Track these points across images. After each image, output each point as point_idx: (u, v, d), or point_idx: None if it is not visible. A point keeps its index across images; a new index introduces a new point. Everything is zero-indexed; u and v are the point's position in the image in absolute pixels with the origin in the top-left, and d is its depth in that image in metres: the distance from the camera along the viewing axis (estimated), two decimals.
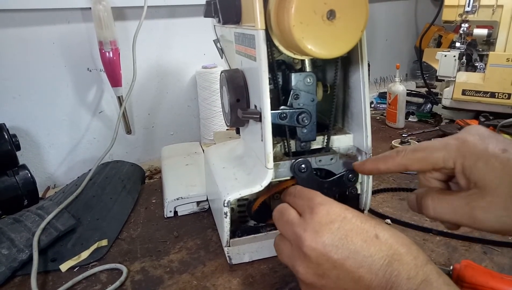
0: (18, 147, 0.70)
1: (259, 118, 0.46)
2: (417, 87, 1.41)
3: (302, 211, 0.38)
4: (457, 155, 0.34)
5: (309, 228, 0.35)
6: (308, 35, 0.38)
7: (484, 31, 0.97)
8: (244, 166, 0.55)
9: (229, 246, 0.53)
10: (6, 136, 0.68)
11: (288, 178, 0.49)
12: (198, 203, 0.69)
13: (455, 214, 0.34)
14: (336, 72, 0.49)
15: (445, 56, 1.00)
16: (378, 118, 1.16)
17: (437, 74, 1.03)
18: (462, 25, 0.98)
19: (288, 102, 0.47)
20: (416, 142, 0.90)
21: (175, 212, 0.68)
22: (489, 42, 0.99)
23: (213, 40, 0.68)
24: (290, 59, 0.49)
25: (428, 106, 1.12)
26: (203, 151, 0.87)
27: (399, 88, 1.02)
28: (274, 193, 0.51)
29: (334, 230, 0.34)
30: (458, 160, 0.34)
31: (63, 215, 0.64)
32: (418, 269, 0.31)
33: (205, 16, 0.57)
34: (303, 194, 0.40)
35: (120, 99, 0.90)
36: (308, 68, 0.48)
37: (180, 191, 0.68)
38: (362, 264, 0.32)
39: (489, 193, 0.32)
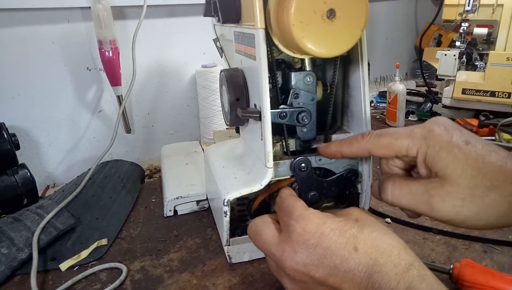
0: (17, 146, 0.70)
1: (258, 117, 0.46)
2: (417, 86, 1.41)
3: (282, 226, 0.38)
4: (421, 144, 0.34)
5: (287, 248, 0.35)
6: (308, 34, 0.38)
7: (484, 30, 0.97)
8: (243, 165, 0.54)
9: (229, 245, 0.53)
10: (5, 135, 0.68)
11: (289, 177, 0.49)
12: (198, 202, 0.69)
13: (413, 200, 0.35)
14: (334, 71, 0.49)
15: (445, 55, 1.00)
16: (378, 117, 1.16)
17: (437, 73, 1.03)
18: (462, 24, 0.98)
19: (288, 101, 0.47)
20: None
21: (175, 211, 0.68)
22: (489, 41, 0.98)
23: (213, 39, 0.68)
24: (290, 58, 0.49)
25: (428, 105, 1.12)
26: (203, 150, 0.87)
27: (399, 87, 1.02)
28: (274, 191, 0.51)
29: (311, 249, 0.33)
30: (421, 149, 0.34)
31: (63, 214, 0.64)
32: (399, 277, 0.30)
33: (204, 15, 0.57)
34: (283, 206, 0.39)
35: (119, 98, 0.89)
36: (308, 67, 0.48)
37: (180, 190, 0.68)
38: (344, 279, 0.32)
39: (449, 183, 0.33)
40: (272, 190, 0.50)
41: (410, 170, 0.39)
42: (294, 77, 0.47)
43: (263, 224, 0.39)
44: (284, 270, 0.35)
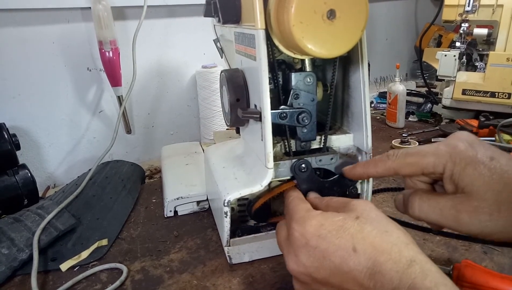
0: (18, 147, 0.70)
1: (259, 117, 0.46)
2: (417, 86, 1.41)
3: (287, 229, 0.39)
4: (448, 161, 0.35)
5: (290, 251, 0.36)
6: (308, 34, 0.38)
7: (484, 31, 0.97)
8: (244, 166, 0.55)
9: (229, 245, 0.53)
10: (6, 136, 0.68)
11: (289, 177, 0.49)
12: (198, 202, 0.69)
13: (441, 215, 0.36)
14: (334, 72, 0.49)
15: (445, 55, 1.00)
16: (378, 117, 1.16)
17: (437, 73, 1.03)
18: (462, 24, 0.98)
19: (288, 102, 0.47)
20: (417, 142, 0.90)
21: (175, 212, 0.68)
22: (489, 41, 0.98)
23: (213, 40, 0.68)
24: (290, 59, 0.49)
25: (428, 105, 1.12)
26: (203, 150, 0.87)
27: (399, 87, 1.02)
28: (276, 194, 0.51)
29: (311, 251, 0.34)
30: (447, 166, 0.35)
31: (63, 215, 0.64)
32: (401, 275, 0.29)
33: (205, 16, 0.57)
34: (288, 209, 0.40)
35: (120, 99, 0.90)
36: (308, 68, 0.48)
37: (180, 191, 0.68)
38: (345, 279, 0.32)
39: (475, 198, 0.33)
40: (274, 193, 0.50)
41: (433, 184, 0.40)
42: (295, 78, 0.47)
43: (279, 226, 0.41)
44: (289, 271, 0.36)
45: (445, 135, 0.94)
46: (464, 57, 1.00)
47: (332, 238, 0.33)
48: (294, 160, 0.48)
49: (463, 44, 0.99)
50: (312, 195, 0.45)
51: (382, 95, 1.26)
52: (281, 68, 0.49)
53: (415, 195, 0.38)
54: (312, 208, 0.39)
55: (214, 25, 0.67)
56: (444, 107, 1.04)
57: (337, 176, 0.49)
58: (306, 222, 0.36)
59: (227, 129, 0.90)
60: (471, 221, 0.34)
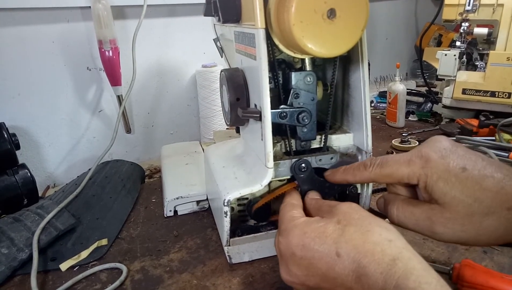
0: (17, 146, 0.70)
1: (259, 117, 0.45)
2: (417, 86, 1.41)
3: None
4: (420, 174, 0.36)
5: (282, 262, 0.37)
6: (308, 34, 0.38)
7: (484, 30, 0.97)
8: (244, 165, 0.54)
9: (229, 245, 0.53)
10: (5, 135, 0.68)
11: (289, 177, 0.49)
12: (198, 202, 0.68)
13: (417, 225, 0.37)
14: (334, 72, 0.49)
15: (446, 55, 1.00)
16: (378, 117, 1.16)
17: (437, 73, 1.03)
18: (463, 24, 0.98)
19: (288, 101, 0.47)
20: (417, 142, 0.90)
21: (175, 212, 0.68)
22: (490, 41, 0.98)
23: (213, 39, 0.68)
24: (290, 58, 0.49)
25: (428, 105, 1.12)
26: (203, 150, 0.87)
27: (399, 87, 1.02)
28: (277, 195, 0.51)
29: (298, 261, 0.35)
30: (421, 178, 0.36)
31: (63, 214, 0.64)
32: (385, 276, 0.29)
33: (205, 15, 0.57)
34: (279, 216, 0.41)
35: (119, 98, 0.89)
36: (308, 67, 0.48)
37: (180, 190, 0.68)
38: (335, 284, 0.32)
39: (448, 210, 0.35)
40: (274, 195, 0.49)
41: (414, 186, 0.40)
42: (295, 77, 0.47)
43: (276, 235, 0.41)
44: (284, 281, 0.37)
45: (445, 134, 0.94)
46: (464, 56, 1.00)
47: (315, 246, 0.34)
48: (294, 160, 0.48)
49: (463, 43, 0.99)
50: (312, 195, 0.45)
51: (382, 95, 1.26)
52: (281, 67, 0.49)
53: (393, 205, 0.39)
54: (297, 216, 0.39)
55: (214, 24, 0.67)
56: (444, 106, 1.04)
57: None
58: (290, 233, 0.36)
59: (227, 128, 0.89)
60: (445, 231, 0.35)
